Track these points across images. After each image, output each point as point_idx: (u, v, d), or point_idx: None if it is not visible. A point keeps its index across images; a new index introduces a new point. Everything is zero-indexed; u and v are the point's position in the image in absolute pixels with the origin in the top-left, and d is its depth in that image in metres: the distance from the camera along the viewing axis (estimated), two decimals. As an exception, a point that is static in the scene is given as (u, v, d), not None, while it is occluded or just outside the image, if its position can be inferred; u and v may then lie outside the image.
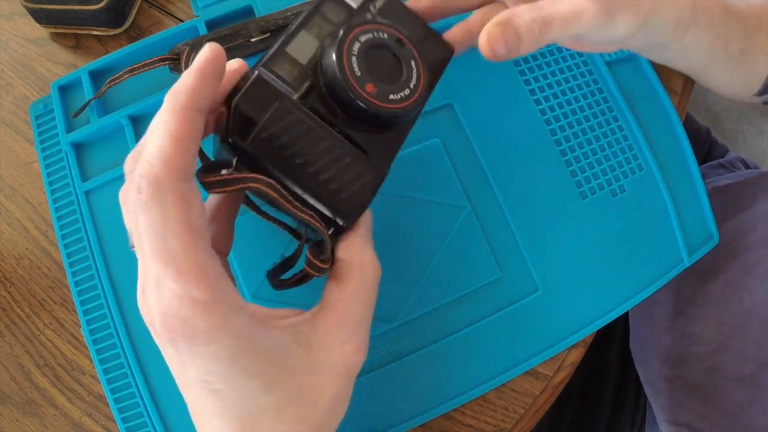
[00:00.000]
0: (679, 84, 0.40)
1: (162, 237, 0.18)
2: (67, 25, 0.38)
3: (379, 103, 0.23)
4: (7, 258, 0.36)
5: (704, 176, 0.56)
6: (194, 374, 0.20)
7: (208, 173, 0.22)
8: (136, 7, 0.39)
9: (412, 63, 0.25)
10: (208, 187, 0.22)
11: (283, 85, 0.23)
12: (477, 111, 0.35)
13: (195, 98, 0.19)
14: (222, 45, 0.33)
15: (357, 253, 0.23)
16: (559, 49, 0.38)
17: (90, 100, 0.34)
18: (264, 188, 0.22)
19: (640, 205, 0.35)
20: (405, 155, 0.34)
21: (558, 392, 0.34)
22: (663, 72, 0.39)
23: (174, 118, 0.19)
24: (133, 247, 0.21)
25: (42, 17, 0.38)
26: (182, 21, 0.39)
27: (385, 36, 0.24)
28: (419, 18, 0.28)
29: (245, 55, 0.34)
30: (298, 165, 0.22)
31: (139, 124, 0.34)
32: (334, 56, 0.23)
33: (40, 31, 0.40)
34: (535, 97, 0.36)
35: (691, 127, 0.63)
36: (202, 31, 0.35)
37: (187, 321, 0.18)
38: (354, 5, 0.26)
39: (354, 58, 0.23)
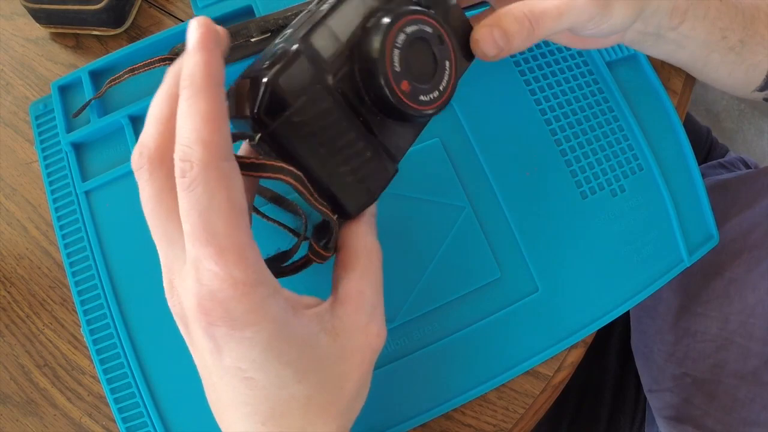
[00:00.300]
0: (679, 84, 0.40)
1: (206, 216, 0.18)
2: (67, 25, 0.38)
3: (410, 103, 0.22)
4: (7, 258, 0.36)
5: (704, 176, 0.56)
6: (229, 361, 0.19)
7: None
8: (136, 7, 0.39)
9: (446, 64, 0.24)
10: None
11: (321, 63, 0.21)
12: (477, 111, 0.35)
13: (212, 73, 0.19)
14: (222, 45, 0.33)
15: (363, 239, 0.23)
16: (560, 49, 0.38)
17: (90, 100, 0.34)
18: (292, 181, 0.21)
19: (640, 205, 0.35)
20: (405, 155, 0.33)
21: (558, 392, 0.34)
22: (663, 72, 0.39)
23: (200, 98, 0.19)
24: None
25: (42, 17, 0.38)
26: (182, 21, 0.39)
27: (430, 30, 0.23)
28: (457, 5, 0.26)
29: (245, 56, 0.34)
30: (320, 153, 0.22)
31: (139, 124, 0.34)
32: (377, 46, 0.21)
33: (40, 31, 0.40)
34: (536, 97, 0.36)
35: (691, 127, 0.63)
36: (202, 31, 0.35)
37: (227, 304, 0.18)
38: None
39: (396, 52, 0.22)
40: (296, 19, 0.24)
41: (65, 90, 0.36)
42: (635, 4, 0.27)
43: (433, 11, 0.24)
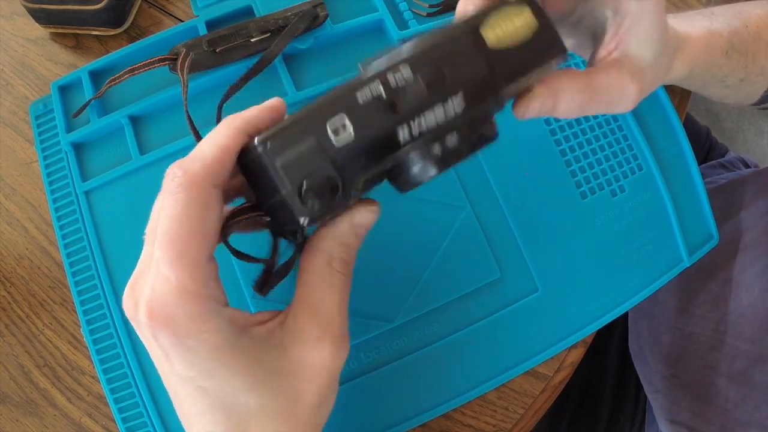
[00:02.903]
0: (679, 84, 0.40)
1: (176, 223, 0.19)
2: (67, 25, 0.38)
3: None
4: (7, 258, 0.36)
5: (704, 176, 0.56)
6: (179, 369, 0.20)
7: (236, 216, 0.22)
8: (136, 7, 0.39)
9: None
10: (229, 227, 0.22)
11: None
12: (477, 111, 0.35)
13: (249, 122, 0.21)
14: (222, 45, 0.33)
15: (325, 245, 0.22)
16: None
17: (90, 100, 0.34)
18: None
19: (640, 205, 0.35)
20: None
21: (558, 392, 0.34)
22: (663, 72, 0.39)
23: (223, 133, 0.21)
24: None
25: (42, 17, 0.38)
26: (182, 21, 0.39)
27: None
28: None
29: (245, 56, 0.34)
30: None
31: (139, 124, 0.34)
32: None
33: (40, 31, 0.40)
34: (535, 97, 0.36)
35: (691, 127, 0.63)
36: (202, 31, 0.35)
37: (173, 310, 0.19)
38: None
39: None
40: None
41: (65, 90, 0.36)
42: (649, 91, 0.28)
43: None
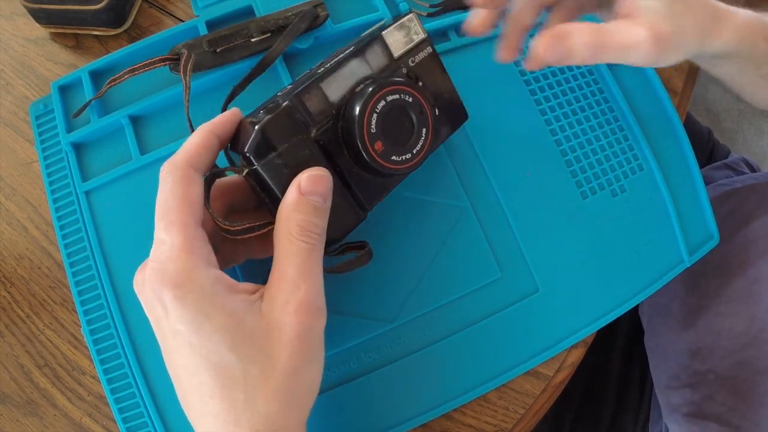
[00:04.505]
0: (679, 84, 0.40)
1: (165, 199, 0.23)
2: (67, 25, 0.38)
3: (381, 161, 0.26)
4: (7, 258, 0.36)
5: (711, 178, 0.56)
6: (174, 322, 0.22)
7: (231, 223, 0.25)
8: (137, 7, 0.39)
9: (424, 131, 0.27)
10: (232, 234, 0.25)
11: (308, 117, 0.26)
12: (478, 111, 0.35)
13: (216, 126, 0.26)
14: (222, 45, 0.33)
15: (279, 210, 0.24)
16: (560, 49, 0.38)
17: (90, 100, 0.34)
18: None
19: (640, 205, 0.35)
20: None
21: (558, 392, 0.34)
22: (663, 72, 0.39)
23: (198, 134, 0.25)
24: None
25: (42, 17, 0.38)
26: (182, 21, 0.39)
27: (410, 100, 0.27)
28: (448, 78, 0.30)
29: (245, 55, 0.34)
30: None
31: (139, 124, 0.34)
32: (357, 110, 0.25)
33: (40, 31, 0.40)
34: (536, 97, 0.36)
35: (692, 128, 0.64)
36: (203, 31, 0.35)
37: (166, 264, 0.22)
38: (395, 54, 0.29)
39: (375, 116, 0.26)
40: (300, 77, 0.28)
41: (65, 90, 0.36)
42: (685, 55, 0.30)
43: (421, 83, 0.29)
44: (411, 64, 0.29)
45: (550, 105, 0.36)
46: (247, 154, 0.25)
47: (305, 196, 0.24)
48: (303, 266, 0.23)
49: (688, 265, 0.35)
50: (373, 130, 0.26)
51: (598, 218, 0.35)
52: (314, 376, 0.24)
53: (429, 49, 0.30)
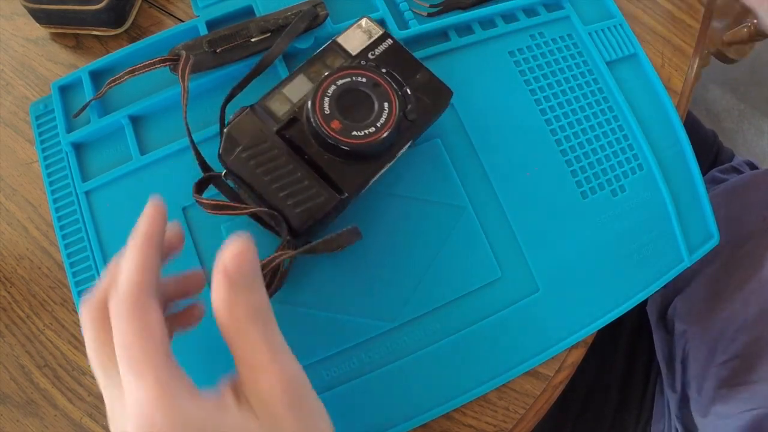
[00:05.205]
0: (679, 84, 0.40)
1: (126, 340, 0.21)
2: (67, 25, 0.38)
3: (341, 137, 0.27)
4: (8, 258, 0.36)
5: (720, 180, 0.56)
6: None
7: (202, 197, 0.29)
8: (137, 7, 0.39)
9: (386, 105, 0.28)
10: (206, 207, 0.29)
11: (270, 118, 0.29)
12: (477, 111, 0.35)
13: (148, 241, 0.24)
14: (222, 45, 0.33)
15: (215, 304, 0.23)
16: (560, 49, 0.38)
17: (90, 101, 0.34)
18: (247, 212, 0.29)
19: (641, 205, 0.35)
20: (405, 155, 0.34)
21: (558, 392, 0.34)
22: (663, 72, 0.39)
23: (134, 256, 0.23)
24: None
25: (42, 17, 0.38)
26: (182, 21, 0.39)
27: (363, 80, 0.29)
28: (417, 61, 0.32)
29: (245, 55, 0.34)
30: (265, 181, 0.28)
31: (139, 124, 0.34)
32: (311, 95, 0.28)
33: (40, 31, 0.40)
34: (536, 97, 0.36)
35: (697, 131, 0.64)
36: (203, 31, 0.35)
37: (153, 418, 0.20)
38: (353, 53, 0.31)
39: (327, 99, 0.28)
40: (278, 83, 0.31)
41: (65, 90, 0.36)
42: None
43: (373, 64, 0.30)
44: (371, 57, 0.31)
45: (550, 105, 0.36)
46: (220, 155, 0.28)
47: (235, 281, 0.22)
48: (267, 347, 0.22)
49: (688, 265, 0.35)
50: (327, 112, 0.28)
51: (598, 218, 0.35)
52: (324, 426, 0.23)
53: (389, 41, 0.32)
